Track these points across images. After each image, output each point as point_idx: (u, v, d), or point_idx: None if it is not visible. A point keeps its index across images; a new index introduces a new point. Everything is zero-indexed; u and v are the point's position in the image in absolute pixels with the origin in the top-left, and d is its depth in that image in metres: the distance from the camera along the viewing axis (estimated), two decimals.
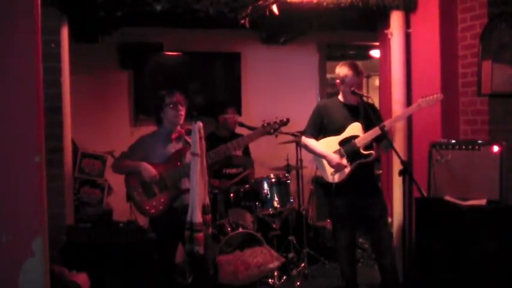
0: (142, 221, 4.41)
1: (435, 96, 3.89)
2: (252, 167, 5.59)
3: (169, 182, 3.77)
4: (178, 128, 3.90)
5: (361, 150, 3.91)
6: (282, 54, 6.37)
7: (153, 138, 3.90)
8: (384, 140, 3.93)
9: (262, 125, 3.91)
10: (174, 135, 3.87)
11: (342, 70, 3.99)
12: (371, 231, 4.08)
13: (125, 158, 3.85)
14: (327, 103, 4.24)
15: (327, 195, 4.11)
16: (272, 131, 3.88)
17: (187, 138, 3.88)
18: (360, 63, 4.57)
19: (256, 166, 5.69)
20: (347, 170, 3.92)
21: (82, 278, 3.61)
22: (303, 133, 4.14)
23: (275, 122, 3.90)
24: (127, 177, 3.82)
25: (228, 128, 5.48)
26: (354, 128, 3.96)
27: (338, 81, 4.03)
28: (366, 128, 3.93)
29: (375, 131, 3.84)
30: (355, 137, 3.94)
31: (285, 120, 3.92)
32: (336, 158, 3.91)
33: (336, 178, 3.94)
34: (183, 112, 3.86)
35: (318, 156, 4.04)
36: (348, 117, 4.00)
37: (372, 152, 3.93)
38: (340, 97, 4.09)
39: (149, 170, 3.73)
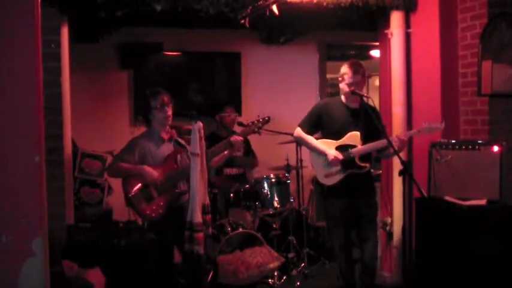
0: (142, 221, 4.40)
1: (438, 125, 3.83)
2: (256, 165, 5.59)
3: (167, 185, 3.77)
4: (168, 128, 3.91)
5: (356, 160, 3.91)
6: (282, 54, 6.37)
7: (145, 139, 3.90)
8: (384, 151, 3.93)
9: (247, 124, 4.10)
10: (165, 136, 3.87)
11: (342, 68, 4.00)
12: (359, 229, 4.08)
13: (120, 160, 3.84)
14: (328, 102, 4.23)
15: (321, 194, 4.14)
16: (256, 129, 4.10)
17: (179, 139, 3.89)
18: None
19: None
20: (339, 177, 3.92)
21: (96, 275, 3.60)
22: (298, 125, 4.12)
23: (258, 121, 4.11)
24: (125, 181, 3.81)
25: (225, 126, 5.48)
26: (352, 137, 3.94)
27: (339, 79, 4.03)
28: (365, 138, 3.91)
29: (373, 145, 3.84)
30: (352, 146, 3.92)
31: (266, 118, 4.13)
32: (333, 152, 3.90)
33: (328, 182, 3.97)
34: (170, 112, 3.87)
35: (313, 150, 4.03)
36: (348, 120, 3.98)
37: (366, 165, 3.92)
38: (342, 97, 4.08)
39: (151, 173, 3.73)
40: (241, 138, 4.04)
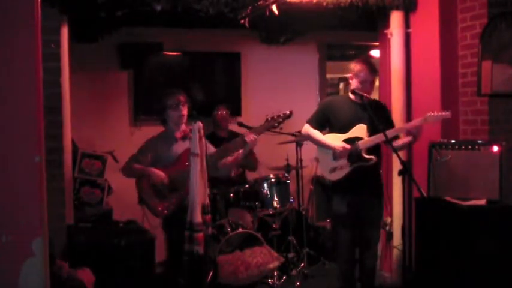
0: (153, 220, 4.32)
1: (443, 113, 3.82)
2: (256, 168, 5.57)
3: (178, 183, 3.79)
4: (183, 126, 3.92)
5: (363, 153, 3.91)
6: (282, 54, 6.37)
7: (160, 139, 3.94)
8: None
9: (266, 119, 3.92)
10: (179, 134, 3.89)
11: (356, 65, 3.97)
12: (361, 229, 4.06)
13: (135, 161, 3.89)
14: (334, 100, 4.23)
15: (328, 193, 4.14)
16: (276, 124, 3.91)
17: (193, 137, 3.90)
18: None
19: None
20: (345, 170, 3.92)
21: (86, 274, 3.60)
22: (306, 121, 4.12)
23: (279, 116, 3.92)
24: (138, 180, 3.85)
25: (218, 124, 5.47)
26: (359, 130, 3.93)
27: (351, 75, 4.02)
28: (371, 131, 3.91)
29: (378, 137, 3.83)
30: (359, 138, 3.92)
31: (288, 113, 3.92)
32: (339, 144, 3.90)
33: (334, 177, 3.96)
34: (185, 112, 3.88)
35: (322, 146, 4.02)
36: (355, 115, 3.97)
37: (372, 157, 3.89)
38: (351, 94, 4.08)
39: (158, 174, 3.78)
40: (255, 136, 3.89)
